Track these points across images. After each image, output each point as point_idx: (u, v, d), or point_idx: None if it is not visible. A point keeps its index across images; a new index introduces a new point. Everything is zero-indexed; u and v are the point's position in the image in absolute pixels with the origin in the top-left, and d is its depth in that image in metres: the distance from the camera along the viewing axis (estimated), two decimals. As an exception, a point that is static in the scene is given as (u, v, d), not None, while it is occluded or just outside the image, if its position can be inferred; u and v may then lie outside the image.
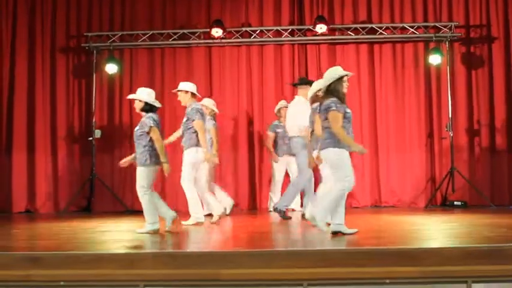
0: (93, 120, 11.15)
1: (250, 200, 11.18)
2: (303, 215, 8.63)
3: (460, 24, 11.07)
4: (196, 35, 11.26)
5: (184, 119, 8.16)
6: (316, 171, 8.16)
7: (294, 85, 9.25)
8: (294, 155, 8.84)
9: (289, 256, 5.00)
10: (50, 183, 11.24)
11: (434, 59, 10.81)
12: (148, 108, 7.15)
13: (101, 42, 11.26)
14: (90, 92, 11.31)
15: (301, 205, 9.58)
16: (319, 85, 7.28)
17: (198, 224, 8.01)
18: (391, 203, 11.01)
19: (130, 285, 4.85)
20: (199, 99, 8.75)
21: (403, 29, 11.11)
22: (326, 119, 6.30)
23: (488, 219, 8.38)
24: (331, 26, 11.03)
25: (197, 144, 7.99)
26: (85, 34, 11.33)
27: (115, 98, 11.43)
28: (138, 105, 7.21)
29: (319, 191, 7.55)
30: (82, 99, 11.48)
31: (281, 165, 10.44)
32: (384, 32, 11.08)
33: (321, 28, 10.77)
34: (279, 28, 11.26)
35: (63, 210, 10.91)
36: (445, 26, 10.95)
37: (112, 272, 4.92)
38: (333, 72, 6.38)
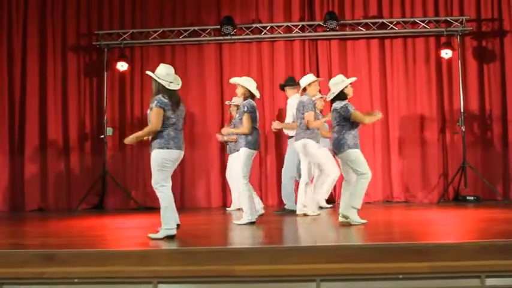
0: (105, 118, 11.17)
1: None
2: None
3: (471, 18, 11.00)
4: (207, 32, 11.25)
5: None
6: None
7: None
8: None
9: (303, 252, 5.01)
10: (63, 181, 11.28)
11: (446, 54, 10.75)
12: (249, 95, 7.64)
13: (112, 40, 11.28)
14: (102, 90, 11.33)
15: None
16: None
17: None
18: (403, 199, 10.96)
19: (144, 282, 4.87)
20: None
21: (414, 23, 11.05)
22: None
23: (501, 213, 8.35)
24: (341, 22, 10.99)
25: None
26: (96, 32, 11.35)
27: (126, 96, 11.45)
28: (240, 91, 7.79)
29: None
30: (93, 97, 11.51)
31: None
32: (394, 27, 11.03)
33: (332, 24, 10.74)
34: (289, 24, 11.23)
35: (76, 208, 10.94)
36: (456, 20, 10.89)
37: (125, 269, 4.94)
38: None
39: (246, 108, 7.55)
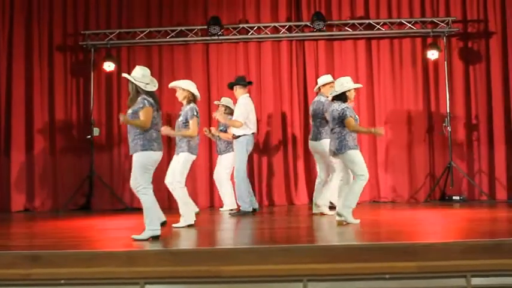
0: (92, 118, 11.14)
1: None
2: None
3: (457, 19, 11.06)
4: (194, 32, 11.25)
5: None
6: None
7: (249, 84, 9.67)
8: None
9: (289, 252, 5.02)
10: (49, 181, 11.21)
11: (432, 54, 10.80)
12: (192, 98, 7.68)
13: (99, 40, 11.24)
14: (88, 90, 11.29)
15: None
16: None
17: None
18: (390, 198, 11.01)
19: (131, 282, 4.87)
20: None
21: (401, 24, 11.10)
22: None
23: (486, 213, 8.41)
24: (328, 22, 11.02)
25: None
26: (82, 32, 11.31)
27: (113, 96, 11.41)
28: (181, 95, 7.72)
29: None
30: (80, 98, 11.46)
31: None
32: (381, 28, 11.07)
33: (319, 24, 10.77)
34: (276, 24, 11.25)
35: (62, 208, 10.90)
36: (442, 21, 10.95)
37: (112, 270, 4.94)
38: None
39: (195, 112, 7.58)
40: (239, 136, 9.02)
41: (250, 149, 9.19)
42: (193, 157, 7.67)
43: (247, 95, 9.29)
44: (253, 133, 9.16)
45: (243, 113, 8.98)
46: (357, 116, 7.14)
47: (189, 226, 7.46)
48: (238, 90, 9.27)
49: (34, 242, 6.53)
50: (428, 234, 6.38)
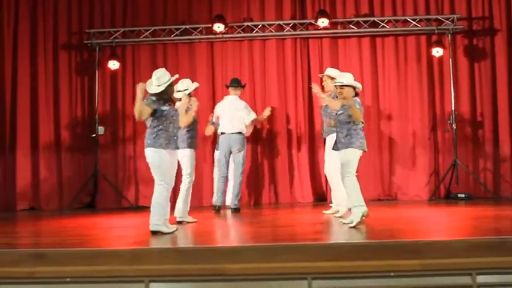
0: (96, 116, 11.16)
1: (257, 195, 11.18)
2: None
3: (462, 16, 11.03)
4: (198, 30, 11.25)
5: None
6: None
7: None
8: None
9: (294, 250, 5.02)
10: (54, 180, 11.24)
11: (437, 52, 10.78)
12: None
13: (103, 38, 11.26)
14: (93, 89, 11.31)
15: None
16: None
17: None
18: (394, 196, 11.00)
19: (136, 281, 4.87)
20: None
21: (405, 22, 11.08)
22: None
23: (491, 211, 8.38)
24: (333, 20, 11.00)
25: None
26: (87, 31, 11.33)
27: (118, 95, 11.42)
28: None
29: None
30: (85, 96, 11.48)
31: None
32: (386, 25, 11.05)
33: (323, 22, 10.75)
34: (280, 22, 11.24)
35: (67, 207, 10.92)
36: (447, 19, 10.92)
37: (117, 268, 4.94)
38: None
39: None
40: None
41: (223, 148, 9.46)
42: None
43: (235, 97, 9.66)
44: (222, 133, 9.50)
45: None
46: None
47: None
48: (232, 92, 9.73)
49: (39, 240, 6.54)
50: (433, 232, 6.36)
